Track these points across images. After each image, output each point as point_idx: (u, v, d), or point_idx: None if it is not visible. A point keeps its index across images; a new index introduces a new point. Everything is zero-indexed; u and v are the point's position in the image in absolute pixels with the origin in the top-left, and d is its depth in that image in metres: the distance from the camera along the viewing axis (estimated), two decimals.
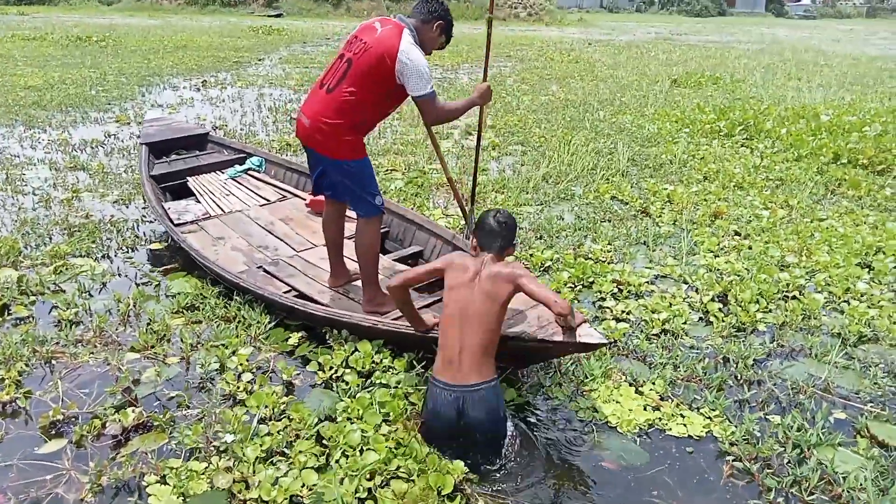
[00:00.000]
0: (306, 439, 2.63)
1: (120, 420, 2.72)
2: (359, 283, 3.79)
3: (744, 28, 38.96)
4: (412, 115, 9.28)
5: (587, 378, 3.17)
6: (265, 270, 4.03)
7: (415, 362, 3.12)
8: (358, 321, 3.27)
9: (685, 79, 13.31)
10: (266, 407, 2.81)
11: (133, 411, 2.76)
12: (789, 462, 2.63)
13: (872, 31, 38.78)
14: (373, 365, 3.14)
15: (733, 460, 2.67)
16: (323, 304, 3.60)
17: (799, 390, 3.12)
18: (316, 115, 3.25)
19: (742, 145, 8.02)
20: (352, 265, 3.88)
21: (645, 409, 2.98)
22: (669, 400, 3.04)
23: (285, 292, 3.76)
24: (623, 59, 17.65)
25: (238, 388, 2.98)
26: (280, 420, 2.75)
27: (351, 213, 3.61)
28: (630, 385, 3.14)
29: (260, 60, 15.60)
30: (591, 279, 4.21)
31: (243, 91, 11.22)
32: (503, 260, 2.73)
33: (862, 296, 4.08)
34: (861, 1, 74.81)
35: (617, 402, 3.01)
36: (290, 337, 3.49)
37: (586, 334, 2.74)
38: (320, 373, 3.16)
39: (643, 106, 10.31)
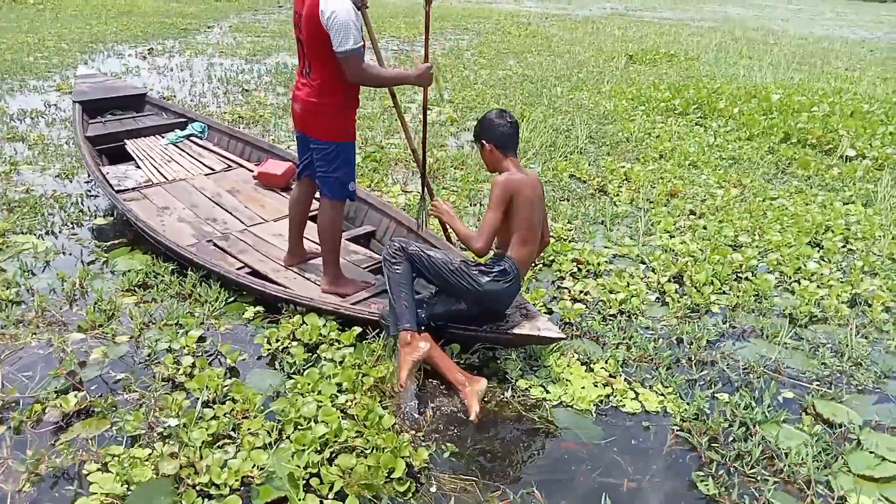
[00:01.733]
0: (254, 418, 2.58)
1: (61, 405, 2.60)
2: (314, 262, 3.74)
3: (697, 5, 39.37)
4: (364, 90, 9.08)
5: (539, 354, 3.19)
6: (215, 244, 3.90)
7: (367, 331, 3.16)
8: (319, 304, 3.26)
9: (640, 56, 13.38)
10: (209, 389, 2.74)
11: (75, 396, 2.65)
12: (734, 438, 2.69)
13: (819, 12, 39.67)
14: (320, 337, 3.15)
15: (677, 430, 2.74)
16: (279, 283, 3.52)
17: (750, 370, 3.19)
18: (304, 99, 3.23)
19: (696, 124, 8.12)
20: (307, 245, 3.82)
21: (595, 385, 3.00)
22: (620, 376, 3.08)
23: (238, 269, 3.67)
24: (580, 35, 17.63)
25: (178, 371, 2.88)
26: (225, 402, 2.69)
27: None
28: (582, 364, 3.17)
29: (209, 28, 15.04)
30: (551, 258, 4.22)
31: (192, 60, 10.81)
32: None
33: (812, 275, 4.19)
34: None
35: (567, 380, 3.03)
36: (245, 311, 3.43)
37: (545, 328, 2.92)
38: (266, 345, 3.13)
39: (600, 83, 10.33)
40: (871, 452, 2.61)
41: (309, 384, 2.79)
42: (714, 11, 33.97)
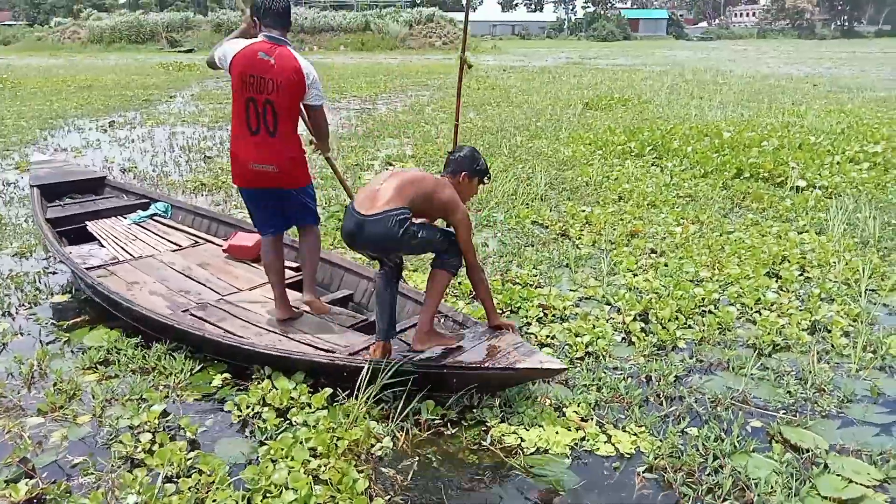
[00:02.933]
0: (221, 489, 2.52)
1: (10, 495, 2.49)
2: (294, 322, 3.77)
3: (648, 51, 40.92)
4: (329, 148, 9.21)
5: (514, 399, 3.19)
6: (192, 315, 3.85)
7: (337, 392, 3.15)
8: (312, 357, 3.28)
9: (596, 102, 13.80)
10: (171, 464, 2.66)
11: (27, 483, 2.55)
12: (709, 472, 2.70)
13: (763, 51, 41.49)
14: (290, 401, 3.13)
15: (643, 471, 2.73)
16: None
17: (717, 403, 3.22)
18: (278, 157, 3.46)
19: (652, 164, 8.34)
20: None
21: (568, 429, 3.00)
22: (591, 420, 3.08)
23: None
24: (537, 85, 18.17)
25: (136, 448, 2.80)
26: (190, 476, 2.62)
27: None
28: (555, 409, 3.16)
29: (171, 98, 15.20)
30: (518, 305, 4.25)
31: (154, 130, 10.89)
32: (458, 180, 3.30)
33: (772, 305, 4.27)
34: (752, 23, 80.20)
35: (541, 426, 3.02)
36: (213, 379, 3.40)
37: (547, 361, 3.05)
38: (236, 412, 3.09)
39: (558, 130, 10.61)
40: (837, 475, 2.64)
41: (282, 450, 2.74)
42: (664, 56, 35.31)
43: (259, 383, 3.26)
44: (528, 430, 2.98)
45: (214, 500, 2.46)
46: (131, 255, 4.79)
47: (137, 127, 11.19)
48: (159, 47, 36.09)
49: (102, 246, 4.96)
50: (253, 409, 3.11)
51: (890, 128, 10.21)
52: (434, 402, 3.12)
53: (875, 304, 4.38)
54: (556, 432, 2.96)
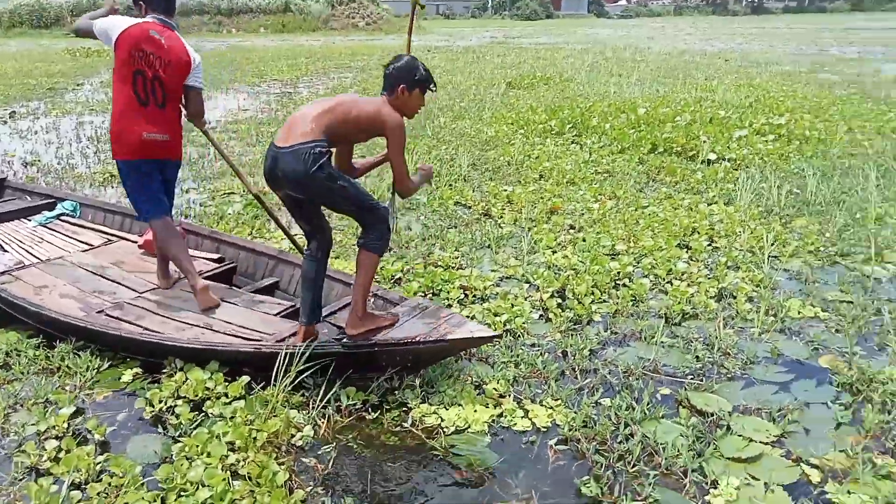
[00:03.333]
0: (131, 491, 2.44)
1: None
2: (216, 312, 3.67)
3: (570, 29, 41.53)
4: (248, 134, 8.99)
5: (434, 381, 3.22)
6: (108, 315, 3.68)
7: (252, 383, 3.11)
8: (237, 348, 3.23)
9: (519, 81, 13.92)
10: (78, 471, 2.56)
11: None
12: (620, 440, 2.80)
13: (680, 28, 42.75)
14: (206, 392, 3.07)
15: (556, 444, 2.82)
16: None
17: (629, 373, 3.34)
18: (169, 126, 3.68)
19: (572, 142, 8.50)
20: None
21: (486, 406, 3.05)
22: (510, 396, 3.14)
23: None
24: (461, 65, 18.16)
25: (41, 457, 2.67)
26: (100, 480, 2.53)
27: None
28: (475, 388, 3.21)
29: (79, 86, 14.43)
30: (439, 287, 4.27)
31: (59, 120, 10.32)
32: (397, 96, 3.05)
33: (682, 275, 4.45)
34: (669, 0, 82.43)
35: (460, 404, 3.06)
36: (122, 374, 3.29)
37: (478, 330, 3.10)
38: (148, 408, 3.00)
39: (481, 110, 10.65)
40: (739, 436, 2.79)
41: (197, 446, 2.67)
42: (586, 34, 35.90)
43: (172, 376, 3.18)
44: (447, 410, 3.02)
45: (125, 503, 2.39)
46: (38, 258, 4.54)
47: (41, 117, 10.58)
48: (65, 32, 34.13)
49: (5, 251, 4.69)
50: (166, 404, 3.02)
51: (794, 100, 10.74)
52: (356, 387, 3.11)
53: (777, 269, 4.62)
54: (475, 410, 3.01)
